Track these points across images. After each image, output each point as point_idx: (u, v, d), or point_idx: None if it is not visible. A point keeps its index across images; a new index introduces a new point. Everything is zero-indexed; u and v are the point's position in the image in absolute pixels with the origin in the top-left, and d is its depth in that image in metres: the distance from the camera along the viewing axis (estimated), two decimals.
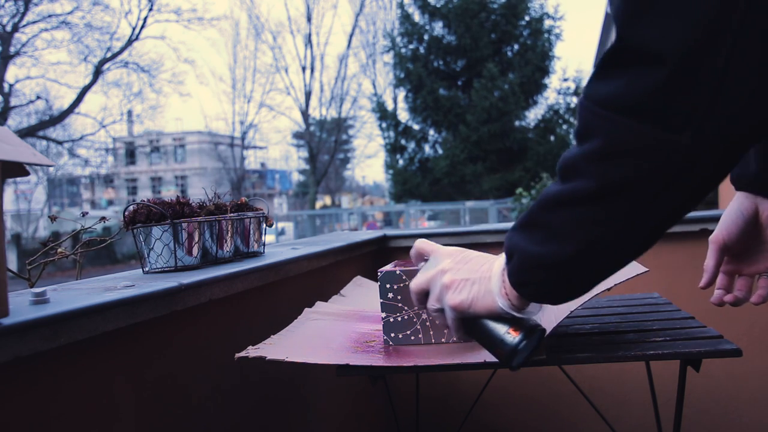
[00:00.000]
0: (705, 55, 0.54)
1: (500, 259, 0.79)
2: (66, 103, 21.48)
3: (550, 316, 1.07)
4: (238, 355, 0.99)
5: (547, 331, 0.97)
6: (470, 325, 0.82)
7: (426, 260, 0.89)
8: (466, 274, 0.81)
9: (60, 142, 21.61)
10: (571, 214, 0.66)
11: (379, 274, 1.10)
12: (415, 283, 0.87)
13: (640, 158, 0.59)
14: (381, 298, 1.10)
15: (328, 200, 35.69)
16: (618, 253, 0.67)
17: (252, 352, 0.99)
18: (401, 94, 21.69)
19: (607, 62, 0.60)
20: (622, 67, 0.58)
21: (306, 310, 1.28)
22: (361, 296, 1.47)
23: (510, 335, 0.79)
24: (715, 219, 1.99)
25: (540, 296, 0.75)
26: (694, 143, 0.57)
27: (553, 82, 37.25)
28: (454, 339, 1.09)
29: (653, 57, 0.55)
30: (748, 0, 0.51)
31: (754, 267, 0.96)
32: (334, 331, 1.17)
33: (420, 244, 0.90)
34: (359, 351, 1.06)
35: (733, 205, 0.96)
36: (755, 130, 0.57)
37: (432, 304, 0.85)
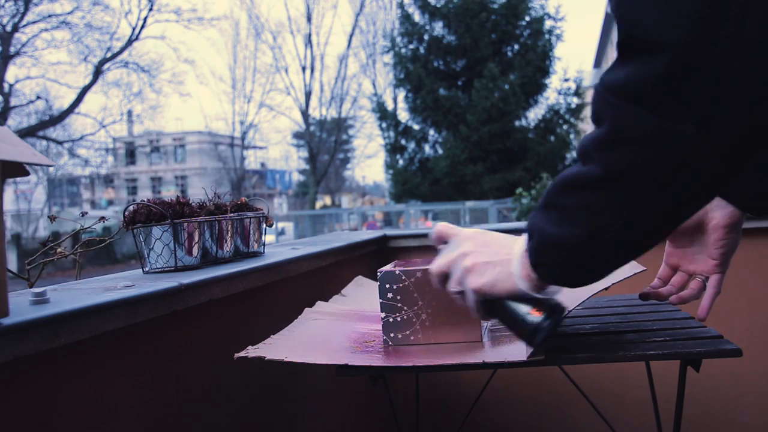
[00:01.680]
0: (704, 42, 0.53)
1: (521, 241, 0.78)
2: (66, 103, 21.49)
3: None
4: (237, 355, 0.99)
5: (568, 310, 0.97)
6: (492, 306, 0.83)
7: (446, 243, 0.88)
8: (488, 257, 0.81)
9: (60, 142, 21.62)
10: (581, 198, 0.66)
11: (378, 274, 1.10)
12: (436, 266, 0.87)
13: (645, 146, 0.59)
14: (381, 298, 1.10)
15: (328, 200, 35.67)
16: (626, 241, 0.67)
17: (251, 352, 0.99)
18: (401, 94, 21.67)
19: (619, 51, 0.60)
20: (630, 55, 0.58)
21: (306, 310, 1.28)
22: (362, 296, 1.47)
23: (532, 315, 0.80)
24: None
25: (555, 278, 0.74)
26: (699, 133, 0.55)
27: (554, 82, 37.16)
28: (454, 339, 1.09)
29: (654, 46, 0.55)
30: None
31: (692, 266, 0.99)
32: (333, 331, 1.17)
33: (441, 227, 0.89)
34: (359, 351, 1.06)
35: None
36: (765, 122, 0.55)
37: (453, 286, 0.85)
